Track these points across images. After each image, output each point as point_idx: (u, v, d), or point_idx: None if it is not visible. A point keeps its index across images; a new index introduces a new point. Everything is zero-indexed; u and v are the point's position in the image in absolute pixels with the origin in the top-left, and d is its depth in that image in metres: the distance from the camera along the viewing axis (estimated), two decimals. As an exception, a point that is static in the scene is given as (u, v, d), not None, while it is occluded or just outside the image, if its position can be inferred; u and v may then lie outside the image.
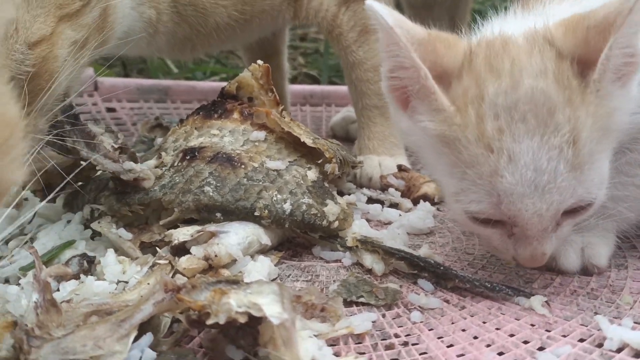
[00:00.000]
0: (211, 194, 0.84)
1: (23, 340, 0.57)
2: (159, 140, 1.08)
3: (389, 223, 0.99)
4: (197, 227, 0.81)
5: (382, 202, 1.06)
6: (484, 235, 0.77)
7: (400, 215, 1.00)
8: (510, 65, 0.69)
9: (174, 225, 0.85)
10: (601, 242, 0.82)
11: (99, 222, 0.85)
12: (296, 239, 0.91)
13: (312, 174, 0.92)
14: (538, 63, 0.69)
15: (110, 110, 1.53)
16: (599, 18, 0.68)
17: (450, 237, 0.94)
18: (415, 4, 1.64)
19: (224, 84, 1.03)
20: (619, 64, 0.68)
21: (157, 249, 0.81)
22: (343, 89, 1.71)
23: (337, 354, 0.65)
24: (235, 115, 0.96)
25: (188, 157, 0.89)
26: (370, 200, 1.07)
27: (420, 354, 0.66)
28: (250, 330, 0.62)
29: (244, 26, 1.12)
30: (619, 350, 0.64)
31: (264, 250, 0.85)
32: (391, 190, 1.09)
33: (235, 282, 0.66)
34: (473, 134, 0.68)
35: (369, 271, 0.83)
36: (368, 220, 0.98)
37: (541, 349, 0.65)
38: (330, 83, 1.93)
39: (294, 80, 1.76)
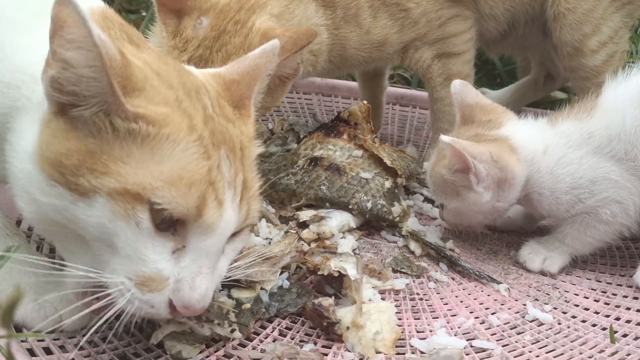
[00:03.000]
0: (325, 191, 1.39)
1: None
2: (294, 145, 1.62)
3: (434, 218, 1.52)
4: (313, 212, 1.37)
5: (433, 201, 1.58)
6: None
7: (442, 214, 1.52)
8: None
9: (300, 207, 1.40)
10: (558, 257, 1.32)
11: (256, 198, 1.41)
12: (371, 223, 1.45)
13: (388, 183, 1.46)
14: None
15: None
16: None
17: (472, 235, 1.46)
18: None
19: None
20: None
21: (289, 222, 1.37)
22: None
23: (383, 299, 1.20)
24: (345, 136, 1.50)
25: (312, 164, 1.44)
26: (426, 199, 1.59)
27: (428, 306, 1.21)
28: (338, 279, 1.17)
29: (367, 64, 1.65)
30: (532, 321, 1.17)
31: (350, 230, 1.39)
32: (442, 193, 1.61)
33: (333, 252, 1.22)
34: None
35: (412, 252, 1.37)
36: (421, 214, 1.52)
37: (493, 313, 1.19)
38: (420, 85, 2.41)
39: (389, 78, 2.22)
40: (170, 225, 0.84)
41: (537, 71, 2.06)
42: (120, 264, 0.84)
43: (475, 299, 1.24)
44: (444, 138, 1.25)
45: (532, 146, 1.29)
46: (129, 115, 0.81)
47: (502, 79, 2.51)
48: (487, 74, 2.47)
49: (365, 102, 1.55)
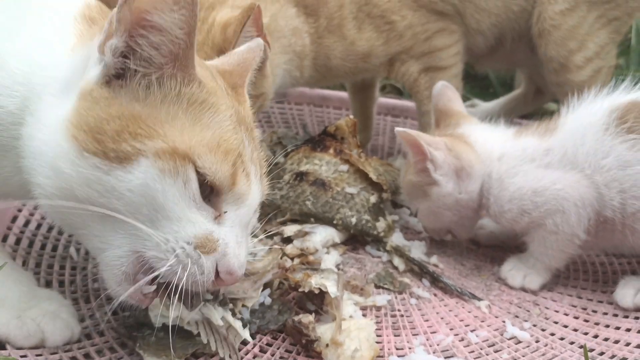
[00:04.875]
0: (309, 206, 1.41)
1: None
2: (281, 159, 1.64)
3: (420, 232, 1.53)
4: (298, 227, 1.38)
5: (418, 215, 1.60)
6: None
7: (427, 229, 1.54)
8: None
9: (285, 222, 1.42)
10: (537, 273, 1.33)
11: (242, 213, 1.42)
12: (356, 237, 1.46)
13: (373, 198, 1.47)
14: None
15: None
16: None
17: (457, 250, 1.47)
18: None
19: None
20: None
21: (274, 237, 1.38)
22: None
23: (364, 315, 1.22)
24: (331, 151, 1.52)
25: (298, 179, 1.46)
26: (412, 213, 1.60)
27: (409, 322, 1.22)
28: (319, 296, 1.18)
29: (353, 75, 1.67)
30: (511, 339, 1.18)
31: (335, 245, 1.41)
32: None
33: (315, 268, 1.23)
34: None
35: (395, 267, 1.38)
36: (407, 228, 1.53)
37: (473, 330, 1.20)
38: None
39: (381, 89, 2.24)
40: (206, 195, 0.87)
41: (527, 85, 2.07)
42: (169, 231, 0.85)
43: (456, 315, 1.25)
44: (399, 129, 1.33)
45: (489, 148, 1.36)
46: (190, 78, 0.87)
47: (495, 89, 2.52)
48: (480, 85, 2.48)
49: (352, 116, 1.56)
